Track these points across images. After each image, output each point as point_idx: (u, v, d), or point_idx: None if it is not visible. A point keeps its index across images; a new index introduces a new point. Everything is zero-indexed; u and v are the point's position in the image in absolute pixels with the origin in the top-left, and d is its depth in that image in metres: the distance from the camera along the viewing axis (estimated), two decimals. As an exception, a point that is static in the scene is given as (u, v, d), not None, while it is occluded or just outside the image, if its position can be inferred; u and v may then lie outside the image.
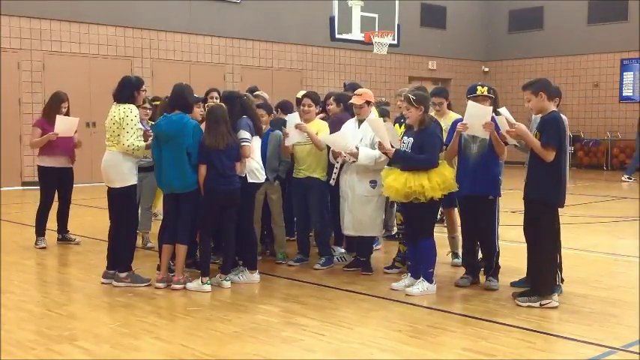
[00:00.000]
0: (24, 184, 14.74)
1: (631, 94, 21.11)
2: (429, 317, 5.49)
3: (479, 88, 6.28)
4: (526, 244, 5.96)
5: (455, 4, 22.63)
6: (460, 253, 6.93)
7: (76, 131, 8.19)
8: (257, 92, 8.37)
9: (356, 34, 15.24)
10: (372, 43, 15.51)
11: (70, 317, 5.47)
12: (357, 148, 6.65)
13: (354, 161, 6.70)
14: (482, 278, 6.43)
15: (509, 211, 9.51)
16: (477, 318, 5.42)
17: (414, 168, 6.07)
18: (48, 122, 8.12)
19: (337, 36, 15.19)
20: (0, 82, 14.43)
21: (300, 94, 8.25)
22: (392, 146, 6.22)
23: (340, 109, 7.52)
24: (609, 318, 5.48)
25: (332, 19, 14.98)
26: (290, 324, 5.26)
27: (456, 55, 22.99)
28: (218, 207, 6.26)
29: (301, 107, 7.43)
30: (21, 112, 14.89)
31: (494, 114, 5.98)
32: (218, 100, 7.67)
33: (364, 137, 6.74)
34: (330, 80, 19.52)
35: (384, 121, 6.99)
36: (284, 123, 7.20)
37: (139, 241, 7.90)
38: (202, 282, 6.19)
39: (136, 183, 6.57)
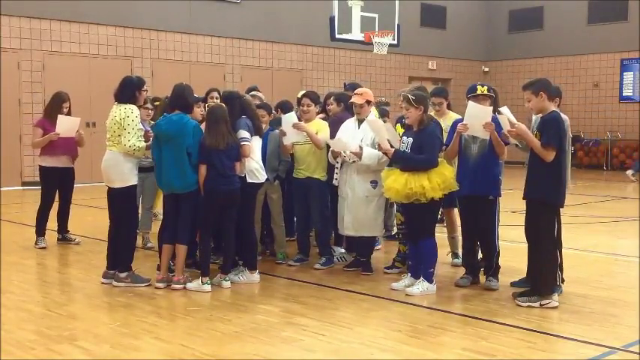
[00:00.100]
0: (24, 184, 14.75)
1: (631, 94, 21.11)
2: (429, 317, 5.49)
3: (479, 87, 6.27)
4: (527, 244, 5.96)
5: (455, 4, 22.64)
6: (460, 253, 6.93)
7: (78, 130, 8.20)
8: (253, 92, 8.36)
9: (356, 34, 15.23)
10: (372, 43, 15.50)
11: (70, 317, 5.47)
12: (361, 147, 6.65)
13: (354, 161, 6.70)
14: (482, 278, 6.43)
15: (510, 211, 9.50)
16: (477, 318, 5.42)
17: (413, 168, 6.07)
18: (49, 122, 8.11)
19: (337, 36, 15.18)
20: (0, 82, 14.44)
21: (300, 94, 8.26)
22: (391, 146, 6.22)
23: (340, 108, 7.51)
24: (609, 318, 5.48)
25: (332, 19, 14.97)
26: (290, 324, 5.25)
27: (455, 55, 22.99)
28: (218, 207, 6.26)
29: (301, 107, 7.44)
30: (21, 112, 14.90)
31: (495, 113, 5.98)
32: (218, 100, 7.66)
33: (365, 137, 6.74)
34: (330, 80, 19.52)
35: (384, 121, 6.99)
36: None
37: (139, 241, 7.90)
38: (202, 282, 6.19)
39: (136, 183, 6.57)
